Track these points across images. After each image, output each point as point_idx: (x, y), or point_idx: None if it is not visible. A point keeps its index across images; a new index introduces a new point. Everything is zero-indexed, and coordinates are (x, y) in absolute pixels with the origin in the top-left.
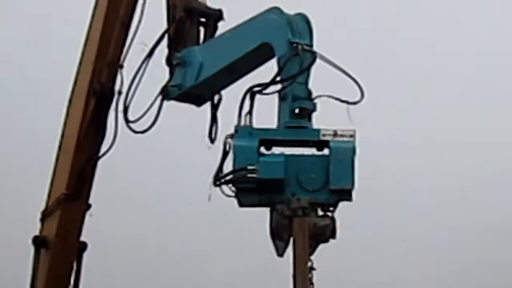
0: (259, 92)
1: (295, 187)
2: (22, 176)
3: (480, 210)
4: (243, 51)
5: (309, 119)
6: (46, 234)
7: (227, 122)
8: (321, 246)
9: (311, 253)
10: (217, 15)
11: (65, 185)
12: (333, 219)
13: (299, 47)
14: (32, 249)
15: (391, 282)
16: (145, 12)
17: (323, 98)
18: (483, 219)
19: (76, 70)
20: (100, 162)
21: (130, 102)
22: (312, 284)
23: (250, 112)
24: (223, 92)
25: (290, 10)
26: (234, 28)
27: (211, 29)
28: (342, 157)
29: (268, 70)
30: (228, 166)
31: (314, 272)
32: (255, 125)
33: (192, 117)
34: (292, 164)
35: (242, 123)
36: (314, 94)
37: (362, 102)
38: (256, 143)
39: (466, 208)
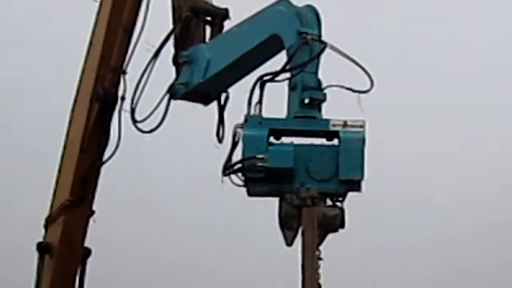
0: (269, 81)
1: (304, 176)
2: (26, 181)
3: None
4: (252, 44)
5: (319, 109)
6: (50, 240)
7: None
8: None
9: (320, 243)
10: (223, 14)
11: (69, 190)
12: (342, 209)
13: (309, 36)
14: (36, 256)
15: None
16: (148, 17)
17: (333, 88)
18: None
19: (79, 75)
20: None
21: (137, 102)
22: (318, 274)
23: (260, 102)
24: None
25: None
26: (241, 23)
27: (217, 28)
28: (352, 148)
29: (277, 63)
30: (237, 156)
31: (321, 262)
32: (265, 115)
33: (194, 121)
34: (302, 153)
35: (252, 112)
36: (324, 84)
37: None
38: (265, 133)
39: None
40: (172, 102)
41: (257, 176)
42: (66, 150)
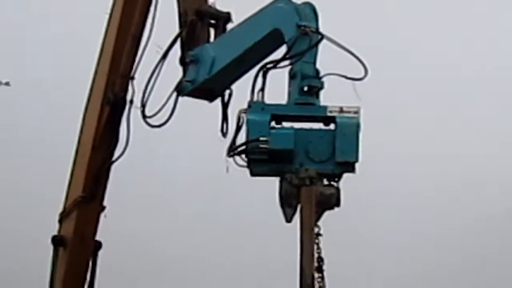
0: (271, 68)
1: (303, 158)
2: (42, 179)
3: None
4: (254, 39)
5: (317, 96)
6: (64, 234)
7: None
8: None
9: (317, 219)
10: (226, 17)
11: (81, 187)
12: (337, 189)
13: (307, 29)
14: (51, 248)
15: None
16: (155, 21)
17: (330, 77)
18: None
19: (91, 80)
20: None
21: (147, 99)
22: (319, 249)
23: (262, 89)
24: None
25: None
26: (243, 21)
27: (220, 30)
28: (347, 132)
29: (278, 54)
30: (241, 139)
31: (320, 237)
32: (267, 101)
33: (199, 117)
34: (301, 136)
35: (255, 99)
36: (321, 73)
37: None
38: (268, 117)
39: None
40: (180, 98)
41: (260, 157)
42: (79, 150)
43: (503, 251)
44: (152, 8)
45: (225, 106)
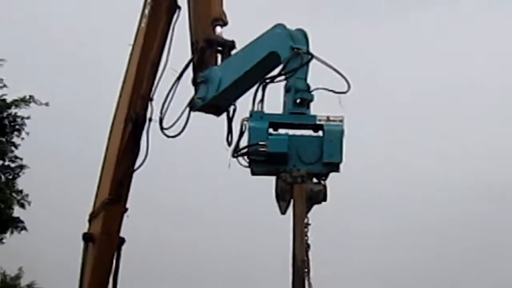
0: (269, 83)
1: (295, 160)
2: (74, 186)
3: None
4: (255, 61)
5: (308, 107)
6: (93, 231)
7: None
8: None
9: (307, 212)
10: (231, 45)
11: (108, 191)
12: (324, 186)
13: (299, 50)
14: (82, 244)
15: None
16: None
17: (319, 90)
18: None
19: (116, 100)
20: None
21: (164, 114)
22: (307, 236)
23: (261, 100)
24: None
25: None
26: (245, 46)
27: (226, 55)
28: (333, 138)
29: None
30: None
31: (309, 227)
32: (265, 111)
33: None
34: (294, 142)
35: (256, 109)
36: (312, 87)
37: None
38: (266, 125)
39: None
40: (192, 114)
41: (259, 159)
42: (106, 160)
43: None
44: (168, 39)
45: (230, 120)
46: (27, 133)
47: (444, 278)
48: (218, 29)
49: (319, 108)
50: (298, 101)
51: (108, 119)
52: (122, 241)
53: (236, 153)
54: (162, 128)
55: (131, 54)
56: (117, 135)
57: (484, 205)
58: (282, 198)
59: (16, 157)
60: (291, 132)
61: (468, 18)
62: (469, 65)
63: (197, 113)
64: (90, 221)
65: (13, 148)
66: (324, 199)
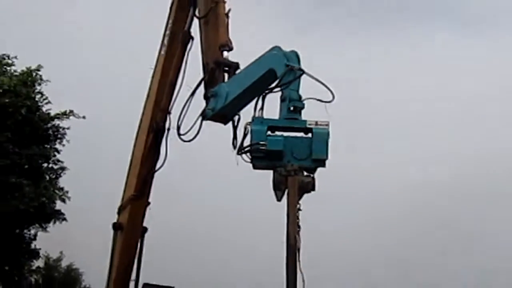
0: (267, 93)
1: (289, 156)
2: (105, 184)
3: None
4: (256, 77)
5: (300, 113)
6: (121, 221)
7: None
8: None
9: (299, 199)
10: (236, 66)
11: (133, 188)
12: (313, 178)
13: (292, 67)
14: (112, 232)
15: None
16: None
17: (309, 100)
18: None
19: (141, 114)
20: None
21: (181, 122)
22: (298, 219)
23: (261, 108)
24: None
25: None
26: (248, 65)
27: (231, 74)
28: (320, 139)
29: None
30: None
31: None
32: (265, 116)
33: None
34: (288, 141)
35: (257, 115)
36: (303, 97)
37: None
38: (265, 128)
39: None
40: (204, 122)
41: (259, 155)
42: (132, 162)
43: None
44: (183, 63)
45: (235, 127)
46: (67, 141)
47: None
48: (225, 53)
49: (308, 114)
50: (291, 108)
51: (134, 129)
52: (145, 229)
53: (241, 151)
54: (179, 134)
55: (153, 76)
56: (141, 141)
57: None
58: (278, 188)
59: (58, 161)
60: (285, 134)
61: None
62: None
63: (208, 122)
64: (118, 213)
65: (55, 153)
66: (313, 189)
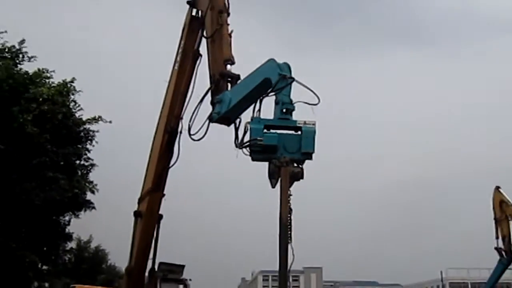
0: (264, 97)
1: (282, 150)
2: (128, 178)
3: None
4: (254, 85)
5: (291, 114)
6: (140, 210)
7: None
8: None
9: (289, 186)
10: (238, 77)
11: (151, 182)
12: (302, 169)
13: (285, 75)
14: (133, 219)
15: None
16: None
17: (298, 103)
18: None
19: (158, 119)
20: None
21: (192, 124)
22: (289, 203)
23: (259, 110)
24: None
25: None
26: (247, 76)
27: (234, 83)
28: (308, 136)
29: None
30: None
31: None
32: (262, 116)
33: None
34: (281, 138)
35: (255, 115)
36: (294, 101)
37: None
38: (262, 126)
39: None
40: (211, 124)
41: (257, 149)
42: (150, 160)
43: None
44: (193, 76)
45: (236, 128)
46: (97, 142)
47: None
48: (228, 66)
49: (298, 115)
50: (284, 110)
51: (151, 132)
52: (160, 217)
53: (241, 145)
54: (190, 134)
55: (168, 87)
56: (157, 142)
57: None
58: (273, 176)
59: (89, 158)
60: (279, 131)
61: None
62: None
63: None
64: (138, 202)
65: (86, 152)
66: (302, 177)
